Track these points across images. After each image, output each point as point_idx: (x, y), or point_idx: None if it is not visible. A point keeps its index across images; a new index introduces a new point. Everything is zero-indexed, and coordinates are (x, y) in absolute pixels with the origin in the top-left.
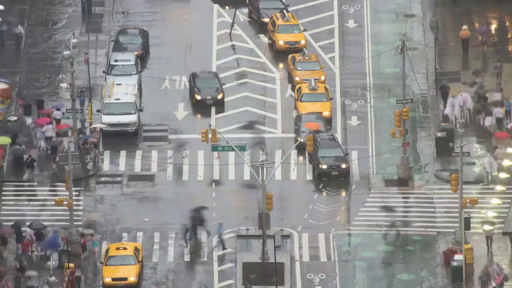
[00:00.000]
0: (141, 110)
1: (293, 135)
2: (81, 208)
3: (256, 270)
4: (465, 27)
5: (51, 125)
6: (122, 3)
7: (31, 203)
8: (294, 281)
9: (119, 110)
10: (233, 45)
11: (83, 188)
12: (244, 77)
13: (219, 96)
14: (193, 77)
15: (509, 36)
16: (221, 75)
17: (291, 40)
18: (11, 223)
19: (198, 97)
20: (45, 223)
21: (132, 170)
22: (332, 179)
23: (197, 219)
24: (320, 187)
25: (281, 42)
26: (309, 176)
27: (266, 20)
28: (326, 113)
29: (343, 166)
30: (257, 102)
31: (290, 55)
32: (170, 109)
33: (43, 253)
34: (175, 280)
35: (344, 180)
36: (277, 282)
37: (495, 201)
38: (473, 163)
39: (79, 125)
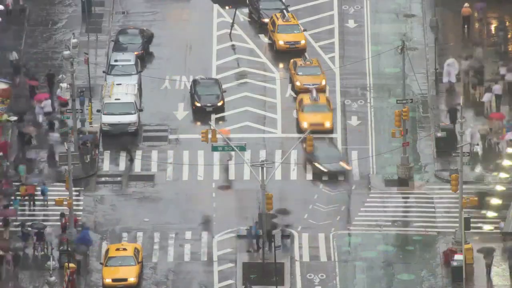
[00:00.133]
0: (141, 110)
1: (293, 135)
2: (81, 208)
3: (256, 270)
4: (466, 4)
5: (49, 101)
6: (122, 3)
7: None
8: (294, 281)
9: (119, 110)
10: (233, 45)
11: (83, 188)
12: (244, 77)
13: (219, 104)
14: (194, 84)
15: (509, 36)
16: (221, 75)
17: (291, 40)
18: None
19: (198, 104)
20: (44, 223)
21: (132, 170)
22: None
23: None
24: (320, 187)
25: (281, 42)
26: (309, 176)
27: (266, 20)
28: (327, 125)
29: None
30: (257, 102)
31: (291, 60)
32: (170, 109)
33: (43, 253)
34: (175, 280)
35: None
36: (277, 282)
37: (495, 201)
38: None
39: (79, 125)
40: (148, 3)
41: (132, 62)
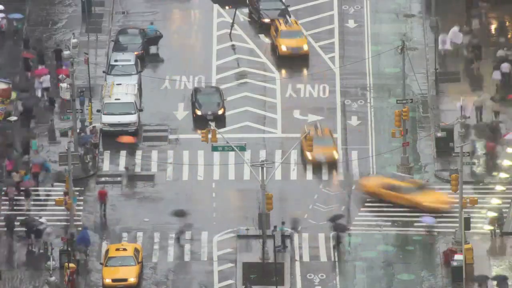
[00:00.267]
0: (141, 110)
1: (292, 135)
2: (81, 208)
3: (256, 270)
4: None
5: (49, 76)
6: (122, 3)
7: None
8: (294, 281)
9: (119, 110)
10: (233, 45)
11: (83, 188)
12: (244, 77)
13: (220, 112)
14: (195, 92)
15: (509, 36)
16: (221, 75)
17: (293, 45)
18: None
19: (199, 112)
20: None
21: (132, 170)
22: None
23: (339, 227)
24: (321, 186)
25: (283, 48)
26: (309, 176)
27: (267, 20)
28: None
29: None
30: (257, 102)
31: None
32: (170, 109)
33: (42, 251)
34: (175, 280)
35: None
36: (277, 282)
37: (495, 201)
38: (473, 163)
39: (79, 125)
40: (148, 3)
41: (132, 62)
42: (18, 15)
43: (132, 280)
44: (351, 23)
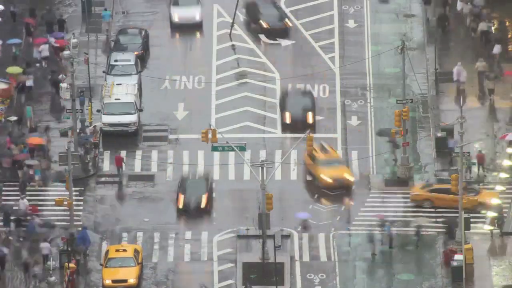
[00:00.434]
0: (141, 110)
1: (292, 135)
2: (81, 208)
3: (256, 270)
4: None
5: (47, 45)
6: (122, 3)
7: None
8: (294, 281)
9: (119, 110)
10: (233, 45)
11: (83, 188)
12: (244, 77)
13: (203, 205)
14: (181, 181)
15: (509, 36)
16: (221, 75)
17: (336, 176)
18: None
19: (180, 206)
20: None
21: (132, 170)
22: None
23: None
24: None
25: (324, 177)
26: (309, 176)
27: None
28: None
29: None
30: (257, 102)
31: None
32: (170, 109)
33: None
34: (175, 280)
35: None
36: (277, 282)
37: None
38: (473, 163)
39: (79, 125)
40: (148, 3)
41: (132, 62)
42: (16, 40)
43: (132, 281)
44: (351, 23)
